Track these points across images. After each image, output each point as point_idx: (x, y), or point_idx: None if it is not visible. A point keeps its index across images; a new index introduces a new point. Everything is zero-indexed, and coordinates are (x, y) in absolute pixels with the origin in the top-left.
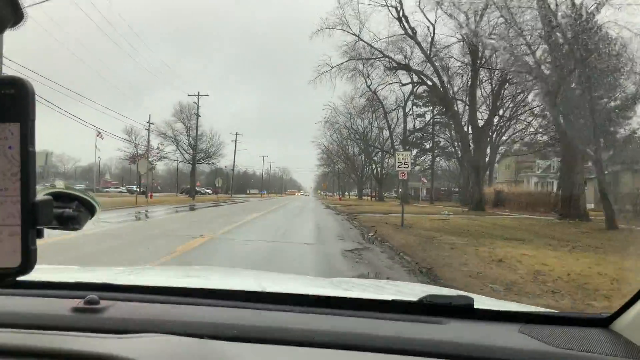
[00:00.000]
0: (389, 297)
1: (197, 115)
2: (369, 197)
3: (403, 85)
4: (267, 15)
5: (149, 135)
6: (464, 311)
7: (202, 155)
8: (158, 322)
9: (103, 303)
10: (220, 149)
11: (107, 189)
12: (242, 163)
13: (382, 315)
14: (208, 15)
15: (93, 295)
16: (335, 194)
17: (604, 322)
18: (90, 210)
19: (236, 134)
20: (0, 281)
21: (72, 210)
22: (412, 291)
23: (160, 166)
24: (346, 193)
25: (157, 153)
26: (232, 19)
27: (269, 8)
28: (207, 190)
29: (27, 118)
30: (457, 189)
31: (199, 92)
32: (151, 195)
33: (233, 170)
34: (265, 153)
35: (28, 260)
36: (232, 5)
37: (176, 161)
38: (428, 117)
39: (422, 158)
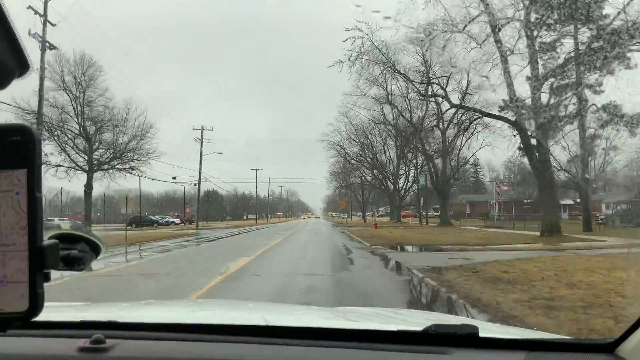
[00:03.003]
0: (394, 328)
1: (44, 45)
2: (420, 220)
3: None
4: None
5: None
6: (469, 340)
7: (109, 155)
8: None
9: (109, 342)
10: (145, 140)
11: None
12: (241, 183)
13: (387, 347)
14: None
15: (99, 335)
16: (352, 215)
17: (608, 347)
18: (95, 250)
19: (202, 128)
20: (10, 325)
21: (77, 252)
22: (417, 320)
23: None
24: (367, 214)
25: None
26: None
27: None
28: (174, 220)
29: (33, 164)
30: (568, 203)
31: None
32: None
33: (199, 184)
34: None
35: (36, 304)
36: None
37: (60, 167)
38: (564, 48)
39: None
